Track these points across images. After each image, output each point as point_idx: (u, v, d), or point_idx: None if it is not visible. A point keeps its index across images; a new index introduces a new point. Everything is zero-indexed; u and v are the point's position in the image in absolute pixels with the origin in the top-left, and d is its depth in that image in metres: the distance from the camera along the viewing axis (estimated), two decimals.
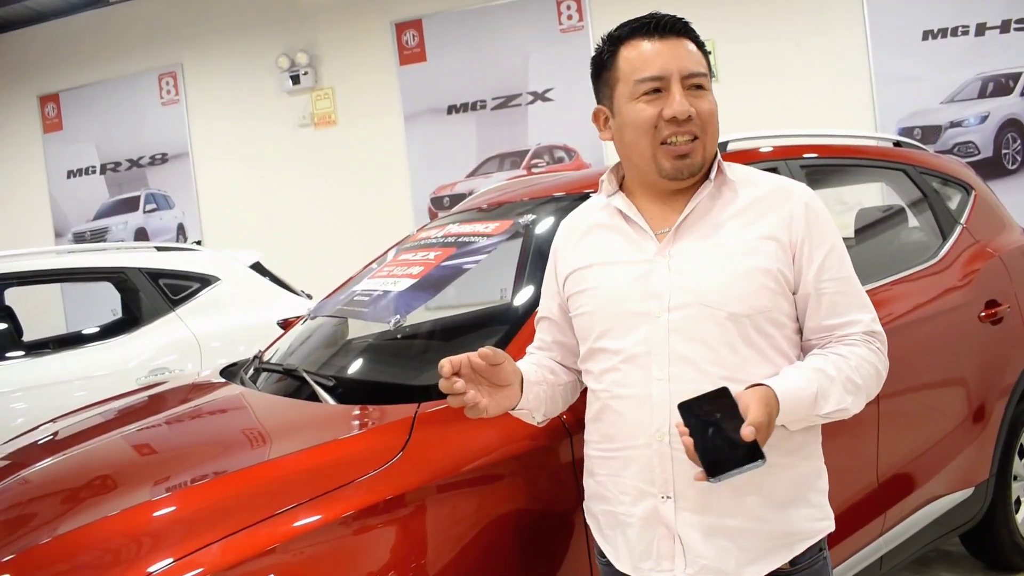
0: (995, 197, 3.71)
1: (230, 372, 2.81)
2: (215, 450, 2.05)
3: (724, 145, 2.62)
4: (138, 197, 7.45)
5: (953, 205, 3.42)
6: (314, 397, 2.13)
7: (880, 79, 6.09)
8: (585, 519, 1.70)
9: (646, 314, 1.49)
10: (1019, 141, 6.00)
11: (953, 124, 6.05)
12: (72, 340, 4.72)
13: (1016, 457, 3.30)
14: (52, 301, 7.37)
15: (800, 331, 1.56)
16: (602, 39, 1.62)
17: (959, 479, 2.95)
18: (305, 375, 2.24)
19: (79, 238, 7.53)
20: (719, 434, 1.32)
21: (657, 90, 1.50)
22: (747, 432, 1.30)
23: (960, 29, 6.04)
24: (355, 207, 6.67)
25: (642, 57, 1.52)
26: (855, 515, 2.56)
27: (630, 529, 1.54)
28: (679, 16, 1.57)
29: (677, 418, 1.36)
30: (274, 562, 1.50)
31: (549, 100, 6.41)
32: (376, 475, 1.65)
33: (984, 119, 6.02)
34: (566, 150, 6.38)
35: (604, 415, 1.57)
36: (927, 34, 6.07)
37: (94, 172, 7.58)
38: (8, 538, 1.70)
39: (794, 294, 1.53)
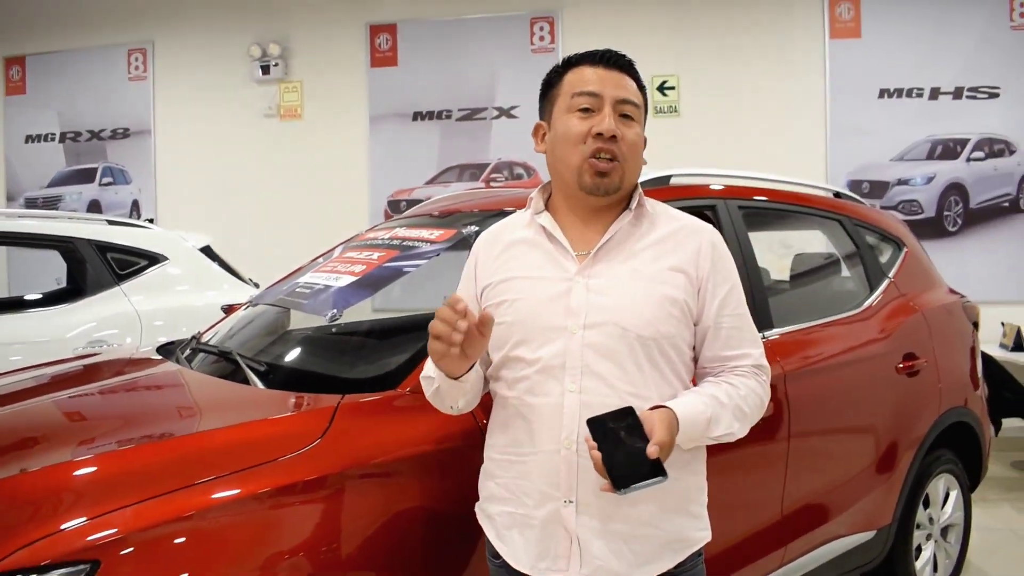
0: (926, 256, 3.87)
1: (167, 350, 2.85)
2: (141, 420, 2.10)
3: (667, 179, 2.73)
4: (95, 169, 7.38)
5: (884, 259, 3.57)
6: (246, 381, 2.18)
7: (835, 130, 6.30)
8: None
9: (563, 329, 1.58)
10: (961, 204, 6.24)
11: (900, 182, 6.27)
12: (13, 304, 4.68)
13: (920, 507, 3.44)
14: None
15: (695, 358, 1.69)
16: (553, 67, 1.75)
17: (862, 521, 3.07)
18: (238, 358, 2.29)
19: (31, 203, 7.43)
20: (625, 450, 1.42)
21: (590, 109, 1.63)
22: (652, 451, 1.42)
23: (915, 91, 6.28)
24: (312, 202, 6.69)
25: (583, 78, 1.66)
26: (758, 544, 2.66)
27: (530, 530, 1.61)
28: (625, 55, 1.71)
29: (585, 429, 1.45)
30: (187, 528, 1.55)
31: (514, 117, 6.51)
32: (294, 457, 1.71)
33: (930, 180, 6.26)
34: (525, 167, 6.48)
35: (513, 421, 1.64)
36: (883, 92, 6.29)
37: (53, 139, 7.50)
38: None
39: (695, 324, 1.65)
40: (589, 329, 1.56)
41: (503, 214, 2.67)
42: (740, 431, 1.64)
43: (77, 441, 1.95)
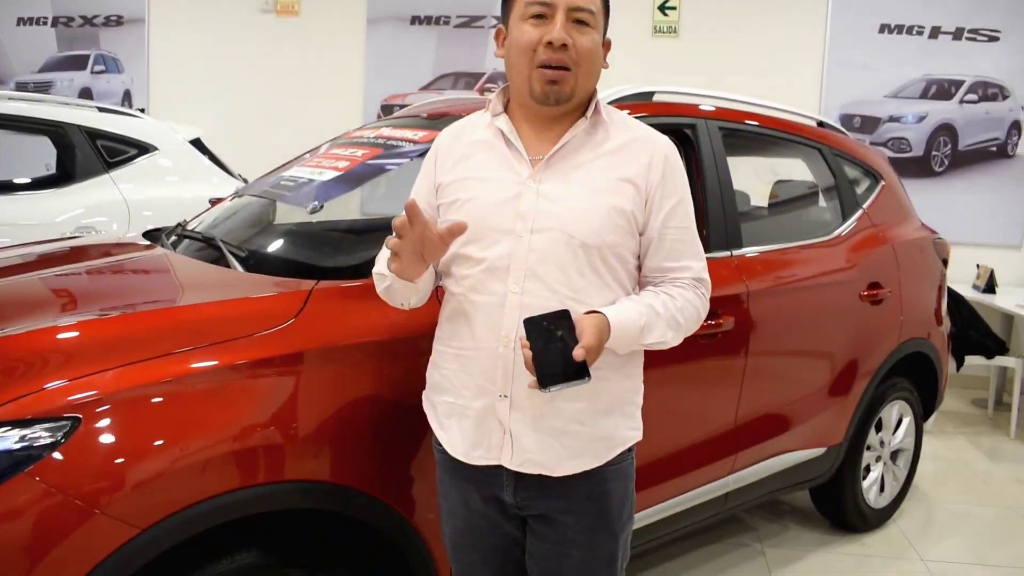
0: (903, 191, 3.94)
1: (153, 236, 2.92)
2: (125, 294, 2.19)
3: (650, 95, 2.78)
4: (87, 56, 7.29)
5: (860, 190, 3.64)
6: (228, 265, 2.26)
7: (832, 62, 6.28)
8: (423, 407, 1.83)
9: (511, 232, 1.62)
10: (950, 145, 6.28)
11: (892, 119, 6.29)
12: (3, 187, 4.71)
13: (873, 430, 3.59)
14: None
15: (639, 267, 1.74)
16: None
17: (813, 438, 3.22)
18: (220, 243, 2.37)
19: (22, 88, 7.35)
20: (556, 351, 1.49)
21: (543, 16, 1.61)
22: (578, 353, 1.48)
23: (916, 28, 6.24)
24: (305, 102, 6.66)
25: None
26: (711, 449, 2.80)
27: (466, 420, 1.69)
28: None
29: (523, 329, 1.52)
30: (165, 392, 1.65)
31: None
32: (270, 333, 1.81)
33: (921, 119, 6.28)
34: None
35: (457, 316, 1.70)
36: (884, 27, 6.26)
37: (45, 23, 7.38)
38: None
39: (640, 235, 1.70)
40: (536, 233, 1.60)
41: None
42: (673, 340, 1.69)
43: (62, 310, 2.04)
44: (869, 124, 6.29)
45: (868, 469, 3.66)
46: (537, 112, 1.68)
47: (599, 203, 1.64)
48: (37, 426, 1.55)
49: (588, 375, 1.49)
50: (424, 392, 1.83)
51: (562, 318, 1.52)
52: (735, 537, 3.65)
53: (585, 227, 1.62)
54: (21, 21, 7.45)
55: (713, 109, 2.98)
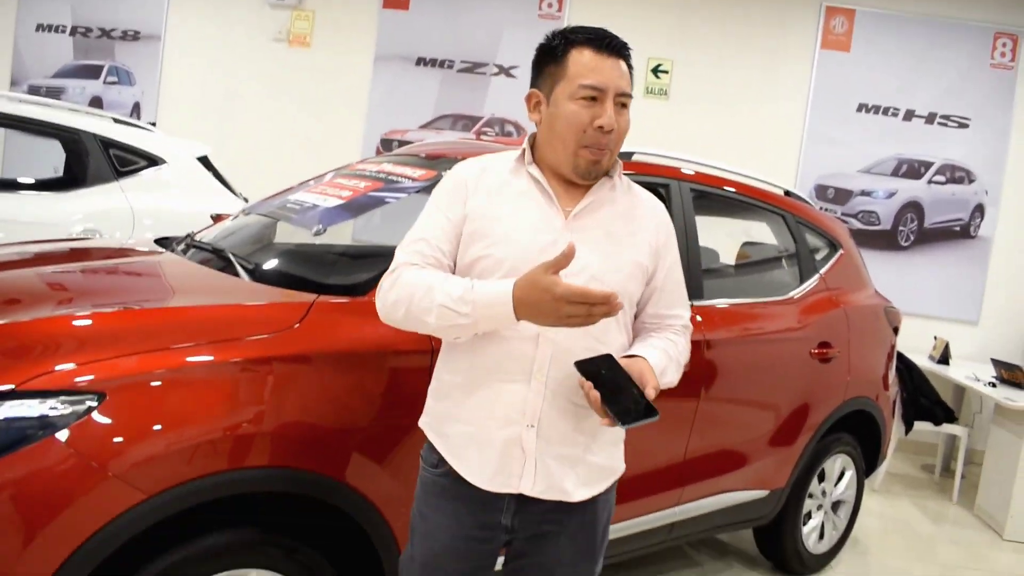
0: (860, 261, 4.24)
1: (163, 242, 3.16)
2: (150, 291, 2.44)
3: (630, 154, 3.06)
4: (101, 66, 7.56)
5: (819, 256, 3.94)
6: (236, 275, 2.51)
7: (811, 135, 6.64)
8: (427, 435, 1.91)
9: None
10: (916, 222, 6.61)
11: (863, 192, 6.63)
12: (8, 185, 4.91)
13: (816, 480, 3.84)
14: None
15: (636, 315, 1.94)
16: (555, 34, 1.83)
17: (757, 481, 3.47)
18: (229, 255, 2.62)
19: (34, 91, 7.59)
20: (622, 391, 1.67)
21: (594, 98, 1.74)
22: (652, 393, 1.67)
23: (891, 110, 6.62)
24: (309, 130, 6.95)
25: (590, 66, 1.75)
26: (659, 479, 3.04)
27: (490, 449, 1.78)
28: (624, 41, 1.82)
29: (559, 362, 1.72)
30: (165, 379, 1.88)
31: (512, 76, 6.79)
32: (275, 335, 2.06)
33: (891, 195, 6.62)
34: (516, 126, 6.78)
35: (485, 348, 1.77)
36: (862, 106, 6.63)
37: (63, 31, 7.66)
38: None
39: (646, 285, 1.92)
40: (569, 278, 1.66)
41: None
42: (676, 380, 1.91)
43: (76, 300, 2.29)
44: (842, 196, 6.63)
45: (809, 516, 3.90)
46: (569, 178, 1.83)
47: (625, 257, 1.83)
48: (67, 397, 1.78)
49: (657, 412, 1.65)
50: (427, 421, 1.91)
51: (607, 360, 1.69)
52: (681, 572, 3.87)
53: (613, 277, 1.79)
54: (40, 27, 7.72)
55: (686, 172, 3.27)
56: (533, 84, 1.86)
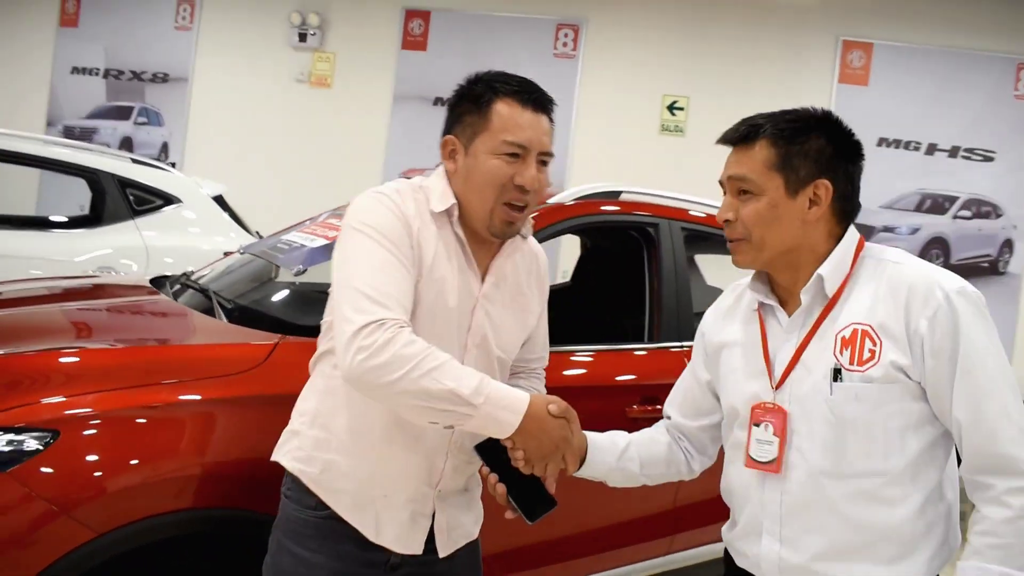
0: None
1: (158, 282, 3.21)
2: (120, 330, 2.49)
3: (617, 193, 3.05)
4: (132, 108, 7.79)
5: None
6: (214, 314, 2.55)
7: None
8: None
9: (456, 340, 1.72)
10: (942, 259, 6.50)
11: (886, 229, 6.55)
12: (40, 223, 5.08)
13: None
14: (29, 186, 7.70)
15: None
16: (478, 79, 1.74)
17: None
18: (212, 296, 2.66)
19: (68, 132, 7.84)
20: (525, 482, 1.63)
21: (516, 155, 1.67)
22: (552, 486, 1.66)
23: (913, 144, 6.55)
24: (328, 168, 7.07)
25: (515, 121, 1.67)
26: (650, 527, 2.99)
27: (393, 511, 1.71)
28: (550, 96, 1.75)
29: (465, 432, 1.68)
30: (144, 415, 1.93)
31: None
32: (236, 376, 2.09)
33: (915, 231, 6.53)
34: None
35: (388, 415, 1.67)
36: (882, 140, 6.57)
37: (97, 74, 7.91)
38: None
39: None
40: (473, 347, 1.73)
41: None
42: None
43: (66, 338, 2.34)
44: (863, 233, 6.43)
45: None
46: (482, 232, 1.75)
47: (523, 323, 1.85)
48: (24, 434, 1.81)
49: (556, 502, 1.66)
50: (300, 467, 1.73)
51: (496, 444, 1.62)
52: None
53: (508, 346, 1.82)
54: (75, 70, 7.99)
55: (675, 210, 3.24)
56: (448, 130, 1.75)
